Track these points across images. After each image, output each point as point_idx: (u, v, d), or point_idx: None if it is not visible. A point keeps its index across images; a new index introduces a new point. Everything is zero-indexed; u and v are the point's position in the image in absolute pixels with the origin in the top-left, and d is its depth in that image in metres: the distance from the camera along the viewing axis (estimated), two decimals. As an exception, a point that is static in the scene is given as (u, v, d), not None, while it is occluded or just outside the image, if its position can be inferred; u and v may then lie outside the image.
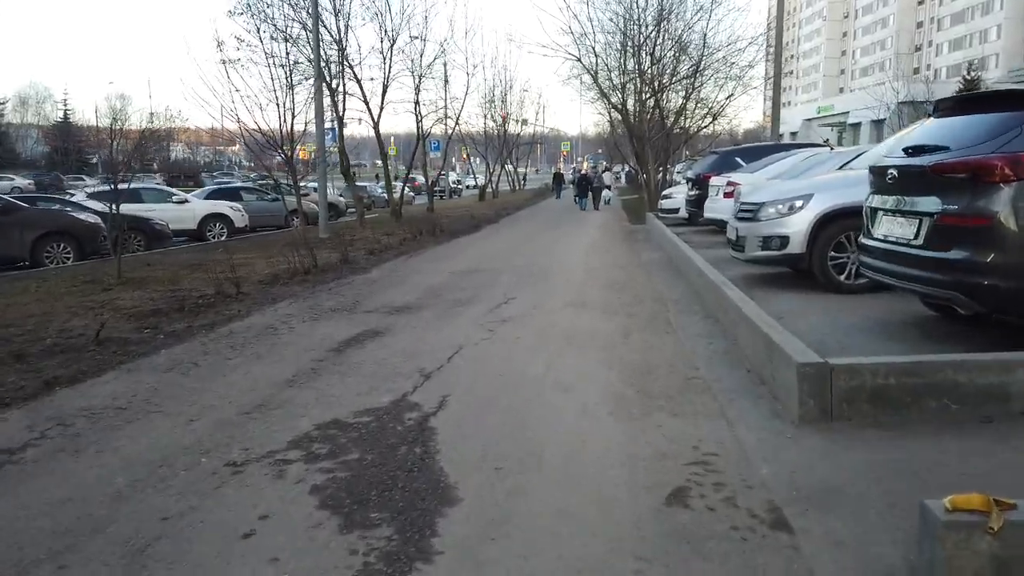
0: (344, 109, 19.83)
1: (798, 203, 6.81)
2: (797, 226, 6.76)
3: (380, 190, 33.28)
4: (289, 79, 15.61)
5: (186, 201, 18.35)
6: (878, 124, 39.85)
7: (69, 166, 71.51)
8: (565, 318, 6.76)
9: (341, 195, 30.78)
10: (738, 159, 13.42)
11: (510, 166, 49.35)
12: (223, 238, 18.25)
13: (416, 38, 23.40)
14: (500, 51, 79.69)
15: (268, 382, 4.73)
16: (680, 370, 4.91)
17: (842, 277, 6.75)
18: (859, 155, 8.88)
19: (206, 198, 20.40)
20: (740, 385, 4.51)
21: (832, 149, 9.61)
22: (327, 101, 19.38)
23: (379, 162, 55.52)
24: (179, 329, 6.43)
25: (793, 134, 48.37)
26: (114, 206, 10.14)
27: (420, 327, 6.43)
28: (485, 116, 39.53)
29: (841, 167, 8.91)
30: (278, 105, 15.38)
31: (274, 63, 15.57)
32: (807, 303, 6.41)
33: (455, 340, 5.84)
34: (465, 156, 51.89)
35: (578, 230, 18.29)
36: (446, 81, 28.59)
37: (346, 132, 25.72)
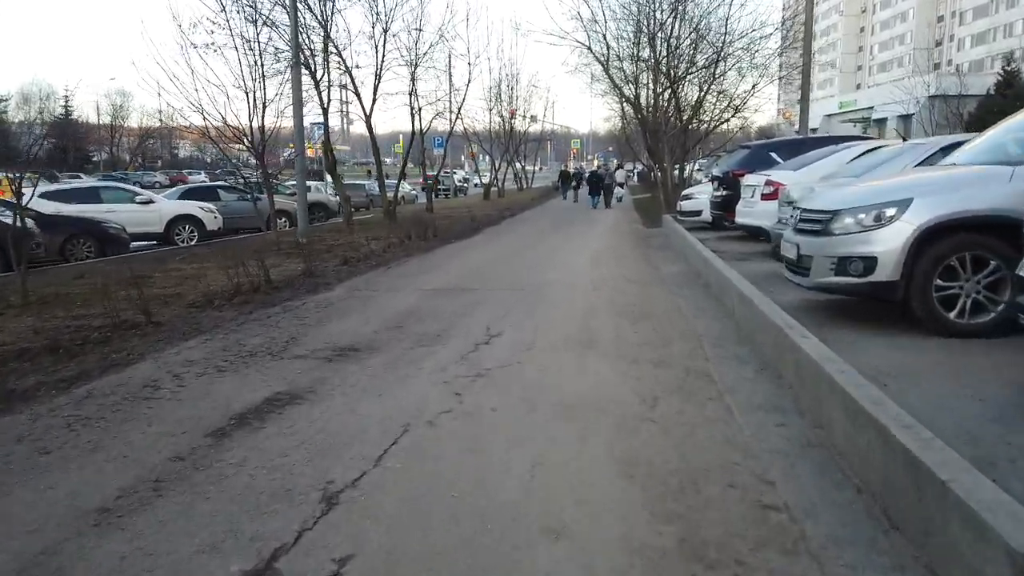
0: (329, 100, 17.98)
1: (889, 211, 4.89)
2: (889, 243, 4.84)
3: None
4: (260, 63, 13.75)
5: (151, 201, 16.54)
6: (905, 119, 37.75)
7: (69, 163, 70.28)
8: (564, 371, 4.88)
9: (336, 194, 28.94)
10: (773, 154, 11.48)
11: (518, 164, 47.42)
12: (193, 243, 16.48)
13: (418, 30, 21.55)
14: (505, 41, 77.68)
15: (66, 514, 2.87)
16: (745, 485, 3.03)
17: (952, 315, 4.83)
18: (944, 147, 6.96)
19: (180, 197, 18.61)
20: (855, 529, 2.64)
21: (904, 140, 7.73)
22: (312, 91, 17.61)
23: (388, 160, 53.76)
24: (22, 388, 4.58)
25: (813, 130, 46.13)
26: (23, 208, 8.31)
27: (359, 387, 4.55)
28: (490, 110, 37.61)
29: (919, 163, 7.00)
30: (247, 93, 13.53)
31: (246, 47, 13.71)
32: (911, 355, 4.49)
33: (401, 415, 3.98)
34: (472, 153, 50.00)
35: (586, 234, 16.38)
36: (450, 75, 26.73)
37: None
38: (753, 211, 9.67)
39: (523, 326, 6.30)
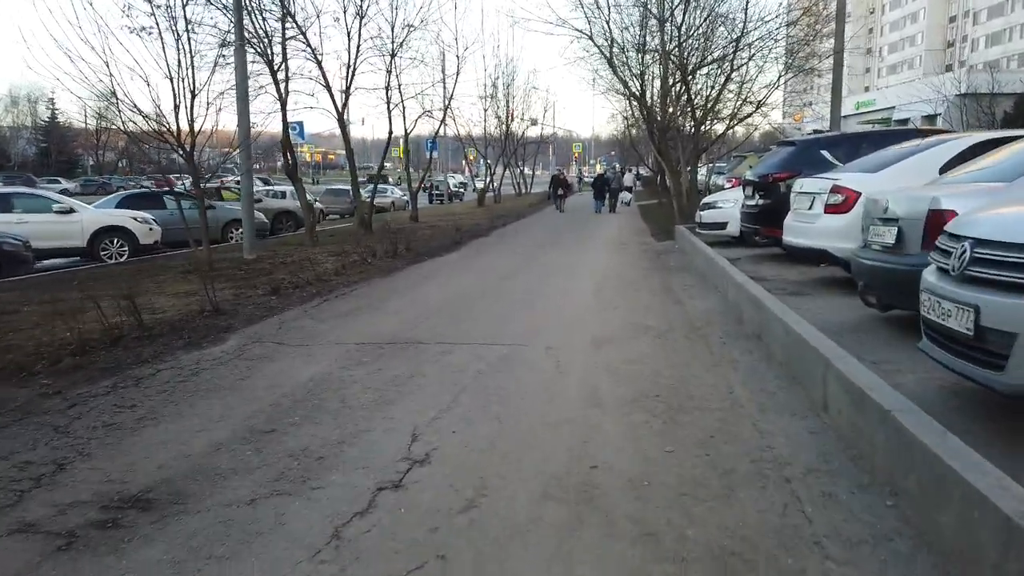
0: (287, 92, 15.39)
1: None
2: None
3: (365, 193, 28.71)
4: (189, 45, 11.14)
5: (72, 211, 13.94)
6: (931, 119, 35.20)
7: (52, 168, 67.80)
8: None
9: (318, 200, 26.42)
10: (826, 153, 8.92)
11: (516, 168, 44.86)
12: (123, 259, 13.93)
13: (410, 26, 19.02)
14: (501, 35, 75.07)
15: None
16: None
17: None
18: None
19: (117, 205, 16.04)
20: None
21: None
22: (265, 80, 15.06)
23: (388, 165, 50.89)
24: None
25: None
26: None
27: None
28: (485, 110, 35.05)
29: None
30: (171, 80, 10.96)
31: (173, 23, 11.12)
32: None
33: None
34: (471, 158, 47.45)
35: (588, 250, 13.78)
36: (443, 71, 24.22)
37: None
38: (812, 228, 7.07)
39: (474, 433, 3.72)
